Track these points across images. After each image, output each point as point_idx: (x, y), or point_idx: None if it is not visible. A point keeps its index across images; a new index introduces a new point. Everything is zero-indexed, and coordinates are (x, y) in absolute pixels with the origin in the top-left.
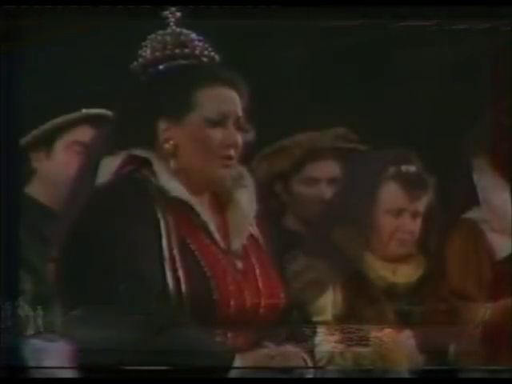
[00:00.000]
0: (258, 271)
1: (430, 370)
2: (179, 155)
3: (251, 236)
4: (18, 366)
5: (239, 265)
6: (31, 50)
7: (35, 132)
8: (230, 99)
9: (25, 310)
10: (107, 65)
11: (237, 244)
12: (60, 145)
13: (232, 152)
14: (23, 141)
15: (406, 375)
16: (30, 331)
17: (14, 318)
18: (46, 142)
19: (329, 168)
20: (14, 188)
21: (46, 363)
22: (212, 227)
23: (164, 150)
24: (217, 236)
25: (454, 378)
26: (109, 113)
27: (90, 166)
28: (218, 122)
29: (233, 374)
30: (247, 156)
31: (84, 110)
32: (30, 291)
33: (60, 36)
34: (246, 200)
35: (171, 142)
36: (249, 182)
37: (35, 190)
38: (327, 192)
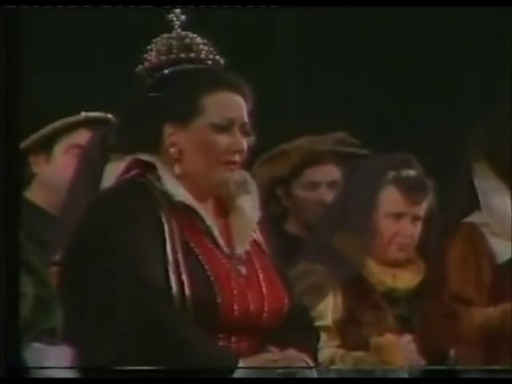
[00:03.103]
0: (261, 276)
1: (429, 370)
2: (184, 160)
3: (254, 241)
4: (18, 366)
5: (243, 270)
6: (31, 50)
7: (34, 136)
8: (235, 104)
9: (25, 312)
10: (111, 68)
11: (240, 249)
12: (59, 148)
13: (237, 157)
14: (22, 145)
15: (406, 376)
16: (31, 334)
17: (15, 321)
18: (46, 146)
19: (329, 172)
20: (13, 192)
21: (47, 365)
22: (216, 232)
23: (169, 154)
24: (220, 241)
25: (454, 378)
26: (109, 116)
27: (90, 170)
28: (224, 127)
29: (235, 375)
30: (248, 161)
31: (83, 113)
32: (30, 294)
33: (61, 37)
34: (250, 205)
35: (176, 147)
36: (252, 187)
37: (35, 194)
38: (327, 196)
